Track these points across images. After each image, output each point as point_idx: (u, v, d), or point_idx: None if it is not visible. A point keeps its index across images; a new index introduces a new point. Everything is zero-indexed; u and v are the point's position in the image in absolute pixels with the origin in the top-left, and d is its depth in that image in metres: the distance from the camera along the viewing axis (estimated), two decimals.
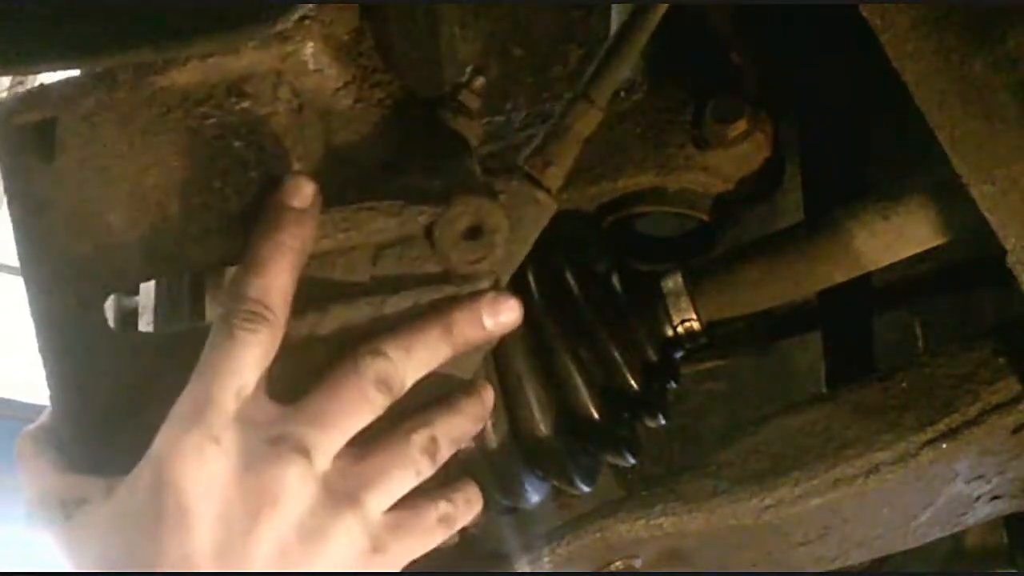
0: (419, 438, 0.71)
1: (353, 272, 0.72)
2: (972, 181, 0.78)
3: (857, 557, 0.98)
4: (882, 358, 1.04)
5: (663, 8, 0.80)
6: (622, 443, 0.90)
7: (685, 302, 0.91)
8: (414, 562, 0.73)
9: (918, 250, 0.88)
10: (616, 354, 0.89)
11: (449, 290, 0.72)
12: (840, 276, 0.90)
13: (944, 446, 0.84)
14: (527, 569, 0.89)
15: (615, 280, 0.93)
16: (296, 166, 0.73)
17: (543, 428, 0.85)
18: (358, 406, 0.69)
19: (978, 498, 0.93)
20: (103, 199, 0.73)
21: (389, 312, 0.71)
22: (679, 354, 0.94)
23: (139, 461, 0.68)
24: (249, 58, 0.71)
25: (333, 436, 0.69)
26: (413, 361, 0.71)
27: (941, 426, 0.84)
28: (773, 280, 0.91)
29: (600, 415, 0.87)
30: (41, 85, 0.74)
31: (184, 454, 0.66)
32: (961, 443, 0.84)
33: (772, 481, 0.87)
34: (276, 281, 0.69)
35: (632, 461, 0.91)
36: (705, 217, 0.96)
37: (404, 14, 0.75)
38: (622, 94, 0.98)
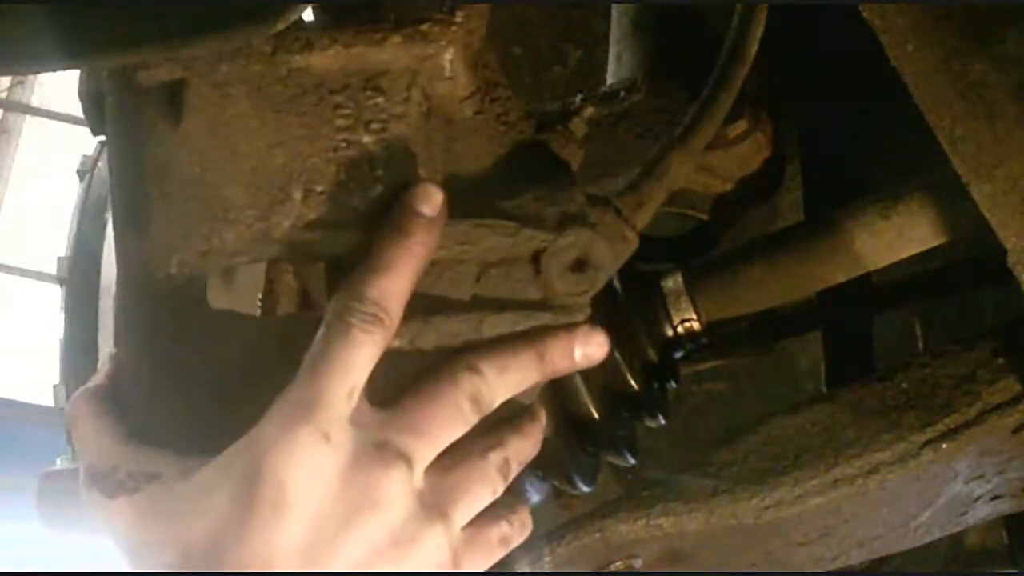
0: (495, 458, 0.71)
1: (457, 287, 0.72)
2: (972, 181, 0.78)
3: (857, 557, 0.98)
4: (882, 358, 1.04)
5: (752, 56, 0.80)
6: (622, 443, 0.90)
7: (685, 302, 0.91)
8: None
9: (918, 250, 0.88)
10: (616, 354, 0.89)
11: (545, 318, 0.72)
12: (840, 276, 0.90)
13: (944, 446, 0.84)
14: (527, 569, 0.89)
15: (615, 280, 0.93)
16: (421, 171, 0.71)
17: None
18: (453, 419, 0.69)
19: (978, 498, 0.93)
20: (225, 172, 0.70)
21: (486, 332, 0.71)
22: (679, 354, 0.94)
23: (210, 439, 0.67)
24: (390, 53, 0.70)
25: (429, 447, 0.69)
26: (504, 382, 0.71)
27: (941, 426, 0.84)
28: (773, 280, 0.91)
29: (600, 415, 0.87)
30: None
31: (292, 448, 0.65)
32: (961, 443, 0.84)
33: (772, 481, 0.87)
34: (397, 285, 0.68)
35: (632, 461, 0.91)
36: (705, 217, 0.96)
37: None
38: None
